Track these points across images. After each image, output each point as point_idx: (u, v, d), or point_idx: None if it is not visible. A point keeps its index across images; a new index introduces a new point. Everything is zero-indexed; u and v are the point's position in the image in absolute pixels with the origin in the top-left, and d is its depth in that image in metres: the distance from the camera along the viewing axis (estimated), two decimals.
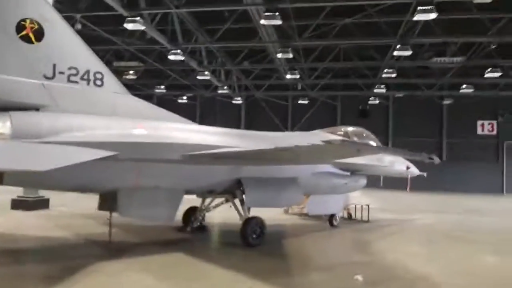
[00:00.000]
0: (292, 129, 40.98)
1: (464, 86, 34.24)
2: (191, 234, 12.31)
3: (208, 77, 32.21)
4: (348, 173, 14.23)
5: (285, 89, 41.68)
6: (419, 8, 19.24)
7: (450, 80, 35.30)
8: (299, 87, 38.00)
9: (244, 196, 11.04)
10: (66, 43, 9.29)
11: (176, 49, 26.73)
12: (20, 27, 8.67)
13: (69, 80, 9.20)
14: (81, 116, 9.04)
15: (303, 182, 12.22)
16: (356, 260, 9.65)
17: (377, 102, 39.64)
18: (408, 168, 16.28)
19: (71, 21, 20.31)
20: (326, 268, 8.84)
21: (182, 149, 9.76)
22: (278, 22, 21.09)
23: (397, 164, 15.80)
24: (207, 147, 10.13)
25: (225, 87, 38.18)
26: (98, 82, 9.66)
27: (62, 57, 9.16)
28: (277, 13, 20.60)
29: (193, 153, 9.73)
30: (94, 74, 9.61)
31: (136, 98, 10.44)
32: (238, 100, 40.95)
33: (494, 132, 39.08)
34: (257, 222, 10.95)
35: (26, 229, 12.35)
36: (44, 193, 16.53)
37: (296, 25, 25.31)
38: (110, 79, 9.86)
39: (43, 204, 16.44)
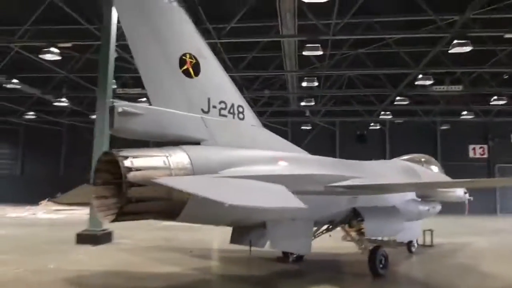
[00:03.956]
0: None
1: (464, 112, 36.30)
2: (296, 264, 12.28)
3: None
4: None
5: (285, 115, 42.46)
6: (455, 41, 20.58)
7: (447, 107, 37.48)
8: (307, 113, 38.73)
9: (363, 225, 11.23)
10: (216, 78, 9.39)
11: None
12: (181, 62, 8.70)
13: (220, 114, 9.25)
14: (237, 149, 9.05)
15: (401, 209, 12.60)
16: (493, 285, 10.00)
17: (378, 127, 41.01)
18: (465, 193, 17.11)
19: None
20: None
21: (325, 180, 9.94)
22: (319, 53, 21.86)
23: (458, 190, 16.57)
24: (340, 178, 10.35)
25: None
26: (241, 116, 9.74)
27: (214, 92, 9.23)
28: (318, 45, 21.42)
29: (340, 184, 9.93)
30: (237, 107, 9.70)
31: (267, 131, 10.53)
32: None
33: (485, 156, 41.43)
34: (382, 252, 11.15)
35: (126, 265, 11.87)
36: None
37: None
38: (249, 112, 9.96)
39: (108, 237, 15.83)
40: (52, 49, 23.26)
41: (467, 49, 20.53)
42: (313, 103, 32.77)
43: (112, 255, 13.49)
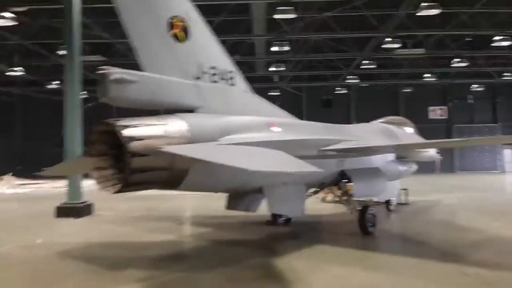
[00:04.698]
0: None
1: (428, 75, 37.39)
2: (287, 227, 12.50)
3: None
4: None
5: (252, 81, 42.02)
6: (423, 4, 20.80)
7: (410, 70, 38.43)
8: (275, 79, 38.55)
9: (351, 186, 11.48)
10: (206, 42, 9.04)
11: None
12: (170, 25, 8.25)
13: (212, 80, 8.95)
14: (232, 116, 8.83)
15: (384, 170, 12.98)
16: (478, 238, 10.59)
17: (344, 92, 41.57)
18: (437, 153, 17.83)
19: None
20: (472, 246, 9.68)
21: (318, 144, 10.01)
22: (292, 15, 21.52)
23: (431, 150, 17.20)
24: (331, 142, 10.45)
25: None
26: (231, 82, 9.48)
27: (205, 57, 8.89)
28: (292, 7, 21.07)
29: (332, 148, 10.03)
30: (228, 73, 9.42)
31: (258, 96, 10.34)
32: None
33: (445, 117, 43.26)
34: (371, 212, 11.48)
35: (117, 236, 11.59)
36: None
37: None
38: (239, 78, 9.71)
39: (89, 209, 15.36)
40: (5, 13, 21.52)
41: (435, 11, 20.82)
42: (283, 68, 32.55)
43: (99, 227, 13.08)
